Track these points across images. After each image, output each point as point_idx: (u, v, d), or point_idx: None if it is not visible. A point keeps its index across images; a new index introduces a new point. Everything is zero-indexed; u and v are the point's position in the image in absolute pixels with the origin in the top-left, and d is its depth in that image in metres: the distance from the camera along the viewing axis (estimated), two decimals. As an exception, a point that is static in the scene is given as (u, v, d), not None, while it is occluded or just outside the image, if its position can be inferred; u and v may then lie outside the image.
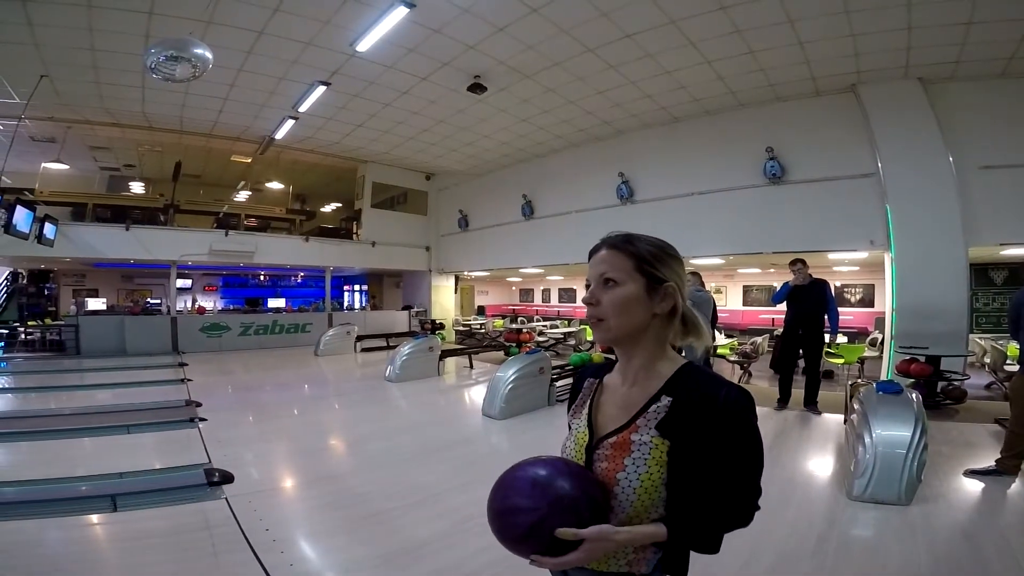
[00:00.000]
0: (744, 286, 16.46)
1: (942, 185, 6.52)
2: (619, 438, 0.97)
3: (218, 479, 3.63)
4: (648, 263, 1.01)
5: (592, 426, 1.05)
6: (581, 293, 1.08)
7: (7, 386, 7.46)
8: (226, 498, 3.35)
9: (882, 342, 8.28)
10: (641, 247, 1.02)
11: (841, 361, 8.39)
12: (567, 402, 1.22)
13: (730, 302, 16.71)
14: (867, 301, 14.04)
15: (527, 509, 0.89)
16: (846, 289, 14.49)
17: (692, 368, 1.01)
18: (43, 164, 11.36)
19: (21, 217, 8.25)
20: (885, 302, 7.65)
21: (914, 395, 3.72)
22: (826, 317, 5.89)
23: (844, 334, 10.32)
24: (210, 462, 4.02)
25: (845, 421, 4.98)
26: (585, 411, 1.09)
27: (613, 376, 1.10)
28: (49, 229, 9.40)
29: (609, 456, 0.97)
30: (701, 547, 0.94)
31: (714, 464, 0.90)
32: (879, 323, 9.66)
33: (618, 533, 0.89)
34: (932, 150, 6.58)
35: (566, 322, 14.79)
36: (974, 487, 3.55)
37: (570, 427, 1.13)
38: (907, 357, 6.12)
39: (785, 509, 3.25)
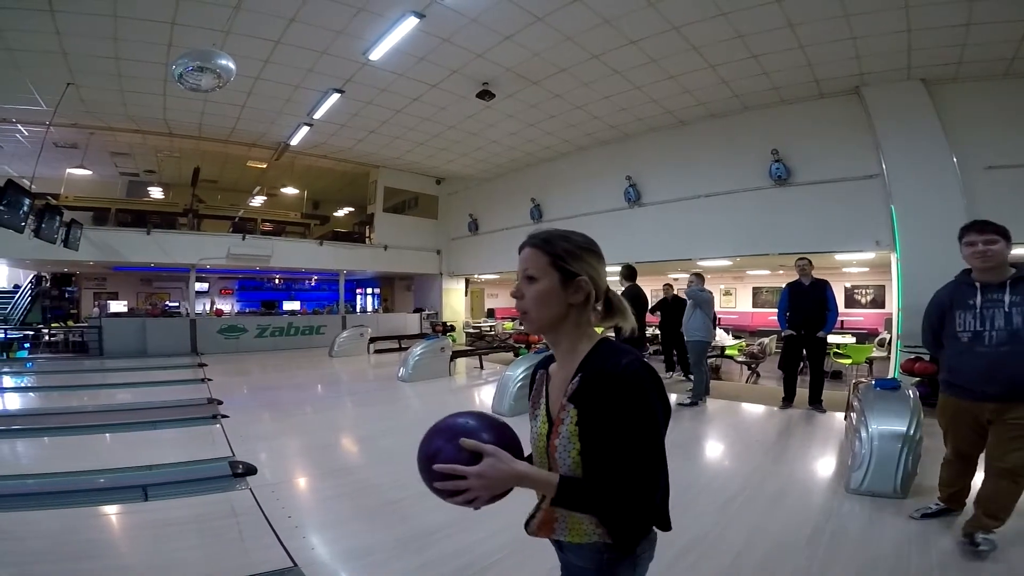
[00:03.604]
0: (754, 288, 16.45)
1: (947, 186, 6.54)
2: (557, 418, 1.07)
3: (242, 471, 3.82)
4: (562, 259, 1.10)
5: (548, 415, 1.13)
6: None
7: (40, 385, 7.75)
8: (250, 488, 3.54)
9: (890, 342, 8.30)
10: (557, 245, 1.11)
11: (849, 361, 8.43)
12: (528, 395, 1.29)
13: (740, 304, 16.72)
14: (878, 302, 13.96)
15: (436, 435, 1.04)
16: (856, 290, 14.43)
17: (603, 344, 1.09)
18: (68, 169, 11.73)
19: (49, 222, 8.57)
20: (892, 302, 7.68)
21: (911, 391, 3.81)
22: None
23: (853, 335, 10.35)
24: (234, 455, 4.22)
25: (846, 418, 5.07)
26: (543, 401, 1.17)
27: (555, 364, 1.19)
28: (74, 233, 9.73)
29: (554, 435, 1.06)
30: (610, 514, 1.01)
31: (604, 430, 0.97)
32: (889, 324, 9.66)
33: (516, 462, 0.98)
34: (936, 151, 6.61)
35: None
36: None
37: (533, 418, 1.19)
38: (912, 356, 6.17)
39: (783, 501, 3.37)
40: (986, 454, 2.71)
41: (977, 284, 2.74)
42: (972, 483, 2.96)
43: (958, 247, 2.83)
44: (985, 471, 2.72)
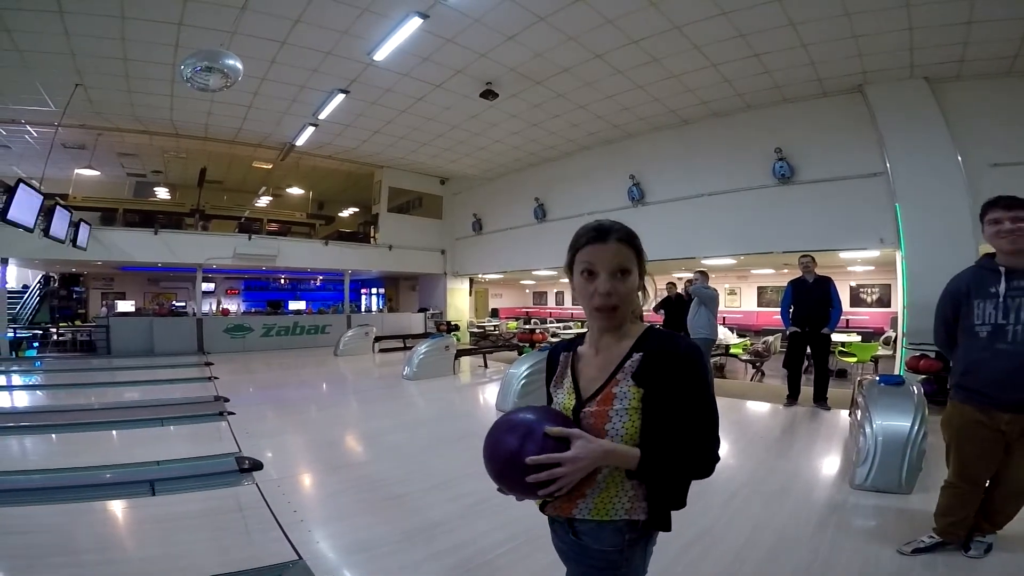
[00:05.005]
0: (758, 287, 16.41)
1: (951, 183, 6.53)
2: (603, 394, 1.10)
3: (248, 466, 3.85)
4: (642, 257, 1.18)
5: (578, 390, 1.17)
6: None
7: (48, 383, 7.80)
8: (256, 483, 3.56)
9: (895, 340, 8.28)
10: (637, 240, 1.18)
11: (854, 360, 8.39)
12: (545, 378, 1.33)
13: (744, 303, 16.68)
14: (884, 302, 13.89)
15: (506, 435, 1.06)
16: (862, 289, 14.38)
17: (654, 329, 1.17)
18: (76, 170, 11.84)
19: (59, 222, 8.66)
20: (897, 300, 7.66)
21: (915, 387, 3.80)
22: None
23: (859, 333, 10.30)
24: (240, 451, 4.25)
25: (850, 415, 5.06)
26: (568, 379, 1.21)
27: (584, 347, 1.24)
28: (83, 233, 9.83)
29: (595, 413, 1.09)
30: (667, 485, 1.08)
31: (675, 403, 1.04)
32: (895, 323, 9.63)
33: (600, 440, 1.03)
34: (940, 149, 6.61)
35: (579, 323, 14.90)
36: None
37: (553, 398, 1.24)
38: (917, 353, 6.16)
39: (788, 497, 3.37)
40: (1007, 473, 2.39)
41: (1002, 269, 2.30)
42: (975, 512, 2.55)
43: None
44: (1000, 486, 2.45)
